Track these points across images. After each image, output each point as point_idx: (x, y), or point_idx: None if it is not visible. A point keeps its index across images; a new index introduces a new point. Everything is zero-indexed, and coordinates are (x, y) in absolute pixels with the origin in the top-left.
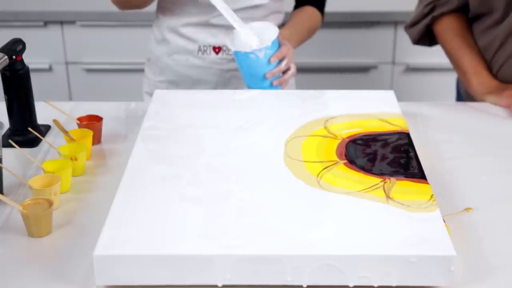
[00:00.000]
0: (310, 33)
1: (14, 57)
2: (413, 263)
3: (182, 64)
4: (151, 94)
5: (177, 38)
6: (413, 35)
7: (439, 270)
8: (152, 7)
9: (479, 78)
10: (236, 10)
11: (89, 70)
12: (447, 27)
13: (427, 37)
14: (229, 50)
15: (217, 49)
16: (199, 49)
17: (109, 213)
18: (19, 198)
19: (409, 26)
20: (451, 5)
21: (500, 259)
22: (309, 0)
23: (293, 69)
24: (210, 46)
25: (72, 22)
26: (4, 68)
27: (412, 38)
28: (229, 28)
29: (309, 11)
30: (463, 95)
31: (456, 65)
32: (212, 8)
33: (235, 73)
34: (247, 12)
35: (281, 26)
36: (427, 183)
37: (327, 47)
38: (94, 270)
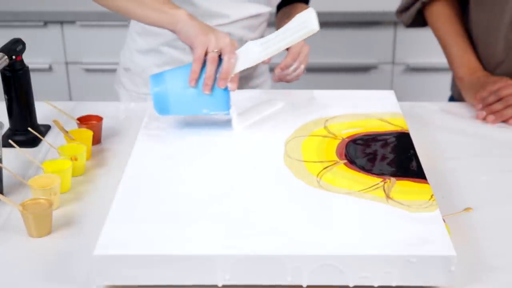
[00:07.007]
0: None
1: (14, 57)
2: (413, 263)
3: None
4: None
5: (171, 50)
6: (405, 20)
7: (439, 270)
8: None
9: (464, 69)
10: (241, 20)
11: (89, 70)
12: (436, 13)
13: (420, 20)
14: None
15: None
16: None
17: (109, 213)
18: (19, 198)
19: (400, 11)
20: None
21: (500, 259)
22: None
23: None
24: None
25: (72, 22)
26: (4, 68)
27: (404, 22)
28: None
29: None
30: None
31: (445, 53)
32: (209, 19)
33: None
34: (248, 21)
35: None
36: (427, 183)
37: (327, 47)
38: (94, 270)
